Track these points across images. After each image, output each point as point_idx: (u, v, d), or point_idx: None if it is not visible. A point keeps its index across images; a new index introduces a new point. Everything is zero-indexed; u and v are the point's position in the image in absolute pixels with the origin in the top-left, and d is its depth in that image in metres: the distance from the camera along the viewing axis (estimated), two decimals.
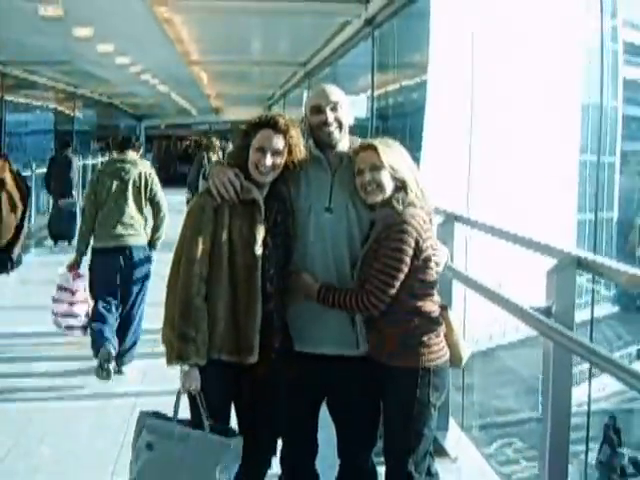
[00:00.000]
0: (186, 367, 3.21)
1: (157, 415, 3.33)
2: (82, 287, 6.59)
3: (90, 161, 19.07)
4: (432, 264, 3.33)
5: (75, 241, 7.40)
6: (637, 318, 35.36)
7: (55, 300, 6.59)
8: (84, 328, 6.52)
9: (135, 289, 6.59)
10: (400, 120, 13.15)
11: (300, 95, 18.38)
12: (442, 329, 3.40)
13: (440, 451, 4.59)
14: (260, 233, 3.31)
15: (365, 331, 3.39)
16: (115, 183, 6.52)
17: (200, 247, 3.25)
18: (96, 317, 6.38)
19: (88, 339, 6.37)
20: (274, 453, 3.59)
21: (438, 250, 3.42)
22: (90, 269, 6.56)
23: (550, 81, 28.59)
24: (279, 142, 3.34)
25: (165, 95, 23.26)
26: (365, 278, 3.29)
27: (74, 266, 6.59)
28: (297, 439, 3.65)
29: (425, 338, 3.31)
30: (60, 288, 6.59)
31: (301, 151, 3.41)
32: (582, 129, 35.12)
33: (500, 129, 24.76)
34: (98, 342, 6.19)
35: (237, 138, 3.54)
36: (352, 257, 3.45)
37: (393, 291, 3.25)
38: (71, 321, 6.58)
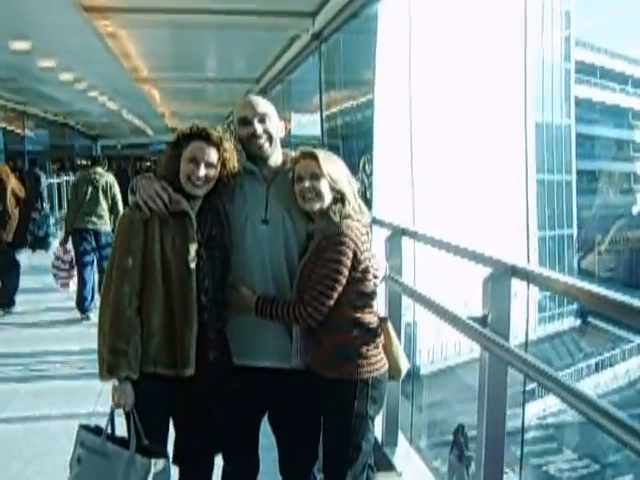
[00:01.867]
0: (117, 382, 3.15)
1: (94, 430, 3.27)
2: (67, 257, 9.42)
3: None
4: (370, 276, 3.33)
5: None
6: (598, 330, 35.96)
7: (53, 266, 9.51)
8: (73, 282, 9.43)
9: (104, 261, 8.77)
10: (353, 139, 13.15)
11: None
12: (381, 341, 3.39)
13: (387, 466, 4.61)
14: (193, 245, 3.27)
15: (304, 343, 3.35)
16: (90, 188, 9.50)
17: (131, 260, 3.20)
18: (81, 283, 9.35)
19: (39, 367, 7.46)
20: (213, 470, 3.54)
21: (376, 262, 3.42)
22: (74, 245, 9.42)
23: (502, 98, 28.86)
24: (212, 154, 3.30)
25: (117, 114, 23.01)
26: (303, 289, 3.26)
27: (63, 242, 9.54)
28: (237, 455, 3.59)
29: (364, 349, 3.30)
30: (56, 258, 9.48)
31: (234, 165, 3.37)
32: (537, 148, 35.51)
33: (451, 148, 25.02)
34: (81, 306, 9.30)
35: (167, 148, 3.47)
36: (290, 268, 3.42)
37: (331, 302, 3.23)
38: (63, 276, 9.48)
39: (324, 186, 3.31)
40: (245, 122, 3.49)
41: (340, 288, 3.24)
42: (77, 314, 9.32)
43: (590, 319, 36.39)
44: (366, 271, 3.31)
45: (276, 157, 3.55)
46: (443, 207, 22.34)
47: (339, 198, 3.33)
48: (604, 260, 42.60)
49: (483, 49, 27.72)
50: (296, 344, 3.38)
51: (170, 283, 3.25)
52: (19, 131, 23.55)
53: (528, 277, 3.24)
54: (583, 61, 46.68)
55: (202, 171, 3.28)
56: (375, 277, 3.39)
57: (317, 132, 11.05)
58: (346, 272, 3.23)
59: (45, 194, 14.89)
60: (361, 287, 3.31)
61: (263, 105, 3.55)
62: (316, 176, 3.31)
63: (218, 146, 3.34)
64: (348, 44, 9.01)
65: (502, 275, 3.27)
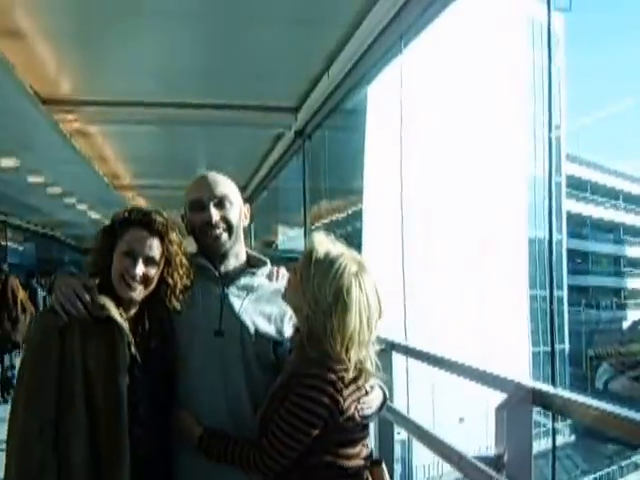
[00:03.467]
0: None
1: None
2: None
3: None
4: (357, 420, 2.57)
5: None
6: (593, 446, 34.95)
7: None
8: None
9: None
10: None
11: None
12: None
13: None
14: (124, 362, 2.53)
15: None
16: None
17: (43, 380, 2.46)
18: None
19: None
20: None
21: (369, 401, 2.65)
22: None
23: (494, 213, 28.67)
24: (154, 247, 2.60)
25: (101, 224, 22.39)
26: (267, 424, 2.55)
27: None
28: None
29: None
30: None
31: (182, 262, 2.67)
32: (530, 264, 35.46)
33: (445, 259, 24.53)
34: None
35: (99, 237, 2.73)
36: (251, 390, 2.77)
37: (295, 454, 2.50)
38: None
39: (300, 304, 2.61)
40: (198, 206, 2.82)
41: (309, 439, 2.49)
42: None
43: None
44: (350, 419, 2.55)
45: (237, 251, 2.88)
46: (433, 319, 21.66)
47: (325, 326, 2.53)
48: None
49: (479, 161, 27.55)
50: None
51: (94, 410, 2.54)
52: (2, 243, 23.02)
53: (554, 404, 2.47)
54: (573, 175, 47.12)
55: (140, 268, 2.58)
56: (364, 418, 2.61)
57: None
58: (318, 422, 2.49)
59: (41, 307, 15.33)
60: (341, 436, 2.56)
61: (222, 185, 2.86)
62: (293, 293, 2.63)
63: (163, 237, 2.64)
64: (334, 142, 8.37)
65: (521, 402, 2.50)
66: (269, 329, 2.84)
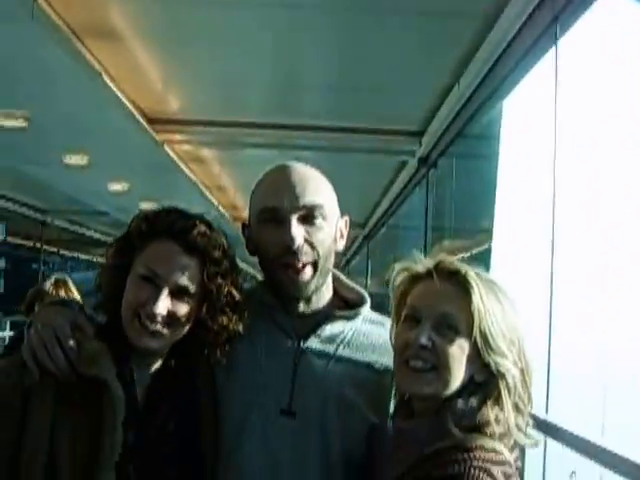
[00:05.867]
0: None
1: None
2: None
3: None
4: None
5: None
6: None
7: None
8: None
9: None
10: None
11: (362, 264, 15.32)
12: None
13: None
14: (110, 454, 1.54)
15: None
16: None
17: None
18: None
19: None
20: None
21: None
22: None
23: None
24: (189, 271, 1.55)
25: None
26: None
27: None
28: None
29: None
30: None
31: (233, 298, 1.61)
32: None
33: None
34: None
35: (108, 253, 1.67)
36: None
37: None
38: None
39: (460, 352, 1.46)
40: (272, 218, 1.74)
41: None
42: None
43: None
44: None
45: (322, 292, 1.79)
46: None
47: (486, 384, 1.48)
48: None
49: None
50: None
51: None
52: None
53: None
54: None
55: (164, 303, 1.59)
56: None
57: None
58: None
59: None
60: None
61: (314, 187, 1.78)
62: (453, 327, 1.47)
63: (204, 256, 1.62)
64: (462, 172, 7.26)
65: None
66: (372, 408, 1.74)
